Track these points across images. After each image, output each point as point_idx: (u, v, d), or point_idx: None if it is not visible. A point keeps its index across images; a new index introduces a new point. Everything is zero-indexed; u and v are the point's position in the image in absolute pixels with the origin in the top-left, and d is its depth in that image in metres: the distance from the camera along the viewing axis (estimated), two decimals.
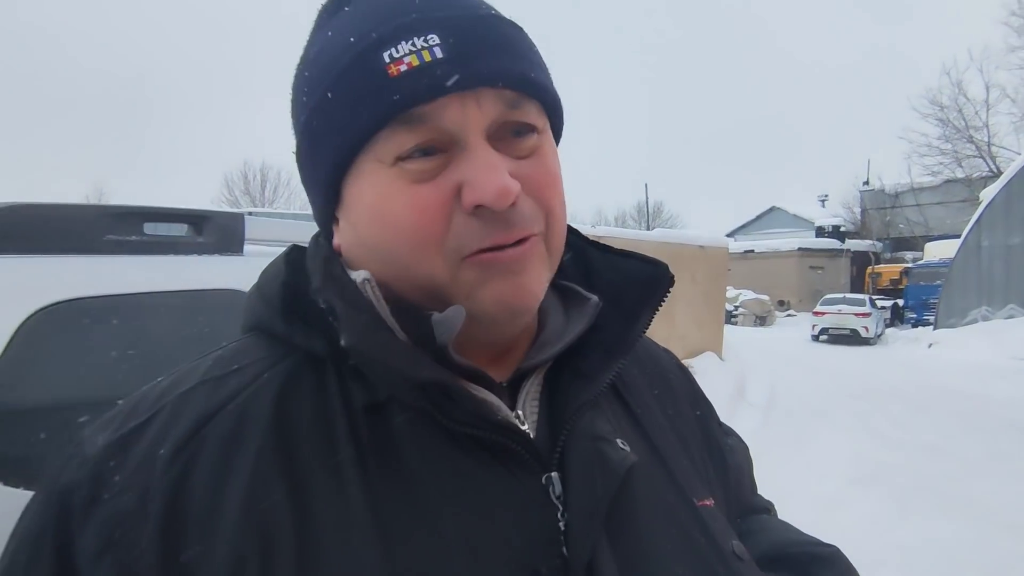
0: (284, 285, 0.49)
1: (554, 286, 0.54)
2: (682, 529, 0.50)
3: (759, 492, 0.75)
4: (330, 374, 0.46)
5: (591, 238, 0.60)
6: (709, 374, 7.75)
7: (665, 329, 7.58)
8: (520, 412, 0.49)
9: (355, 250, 0.49)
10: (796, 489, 4.73)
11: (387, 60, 0.43)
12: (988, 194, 15.52)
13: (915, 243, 25.90)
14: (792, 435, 6.37)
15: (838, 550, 0.62)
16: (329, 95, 0.45)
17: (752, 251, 29.42)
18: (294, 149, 0.51)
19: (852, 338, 15.89)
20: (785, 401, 7.85)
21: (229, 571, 0.39)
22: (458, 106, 0.43)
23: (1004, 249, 14.74)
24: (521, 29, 0.49)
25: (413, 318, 0.46)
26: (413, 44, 0.43)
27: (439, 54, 0.43)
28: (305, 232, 0.54)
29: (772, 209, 37.07)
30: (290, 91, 0.50)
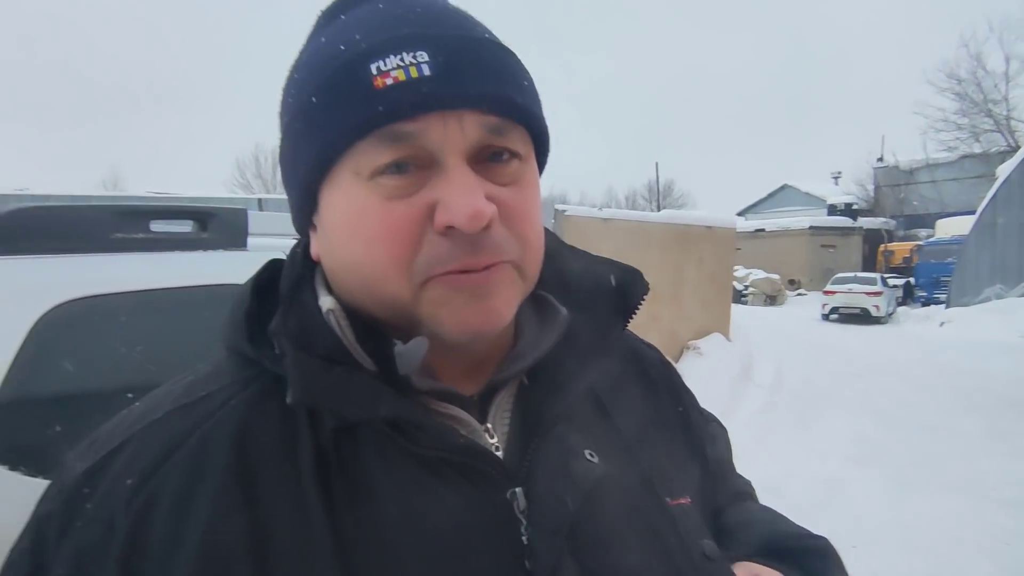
0: (247, 314, 0.49)
1: (531, 296, 0.53)
2: (653, 532, 0.50)
3: (745, 478, 0.76)
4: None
5: (569, 244, 0.60)
6: (716, 355, 7.76)
7: (672, 310, 7.59)
8: (489, 425, 0.49)
9: (329, 260, 0.49)
10: (799, 468, 4.79)
11: (374, 72, 0.42)
12: (1004, 170, 15.22)
13: (929, 220, 25.46)
14: (796, 415, 6.40)
15: (828, 542, 0.61)
16: (313, 100, 0.44)
17: (763, 230, 29.10)
18: (278, 149, 0.50)
19: (863, 317, 15.74)
20: (791, 381, 7.87)
21: None
22: (440, 125, 0.43)
23: (1020, 227, 14.48)
24: (514, 55, 0.48)
25: (377, 347, 0.46)
26: (402, 59, 0.42)
27: (427, 71, 0.42)
28: None
29: (783, 187, 36.58)
30: (281, 91, 0.50)
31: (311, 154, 0.45)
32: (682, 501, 0.54)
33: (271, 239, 1.72)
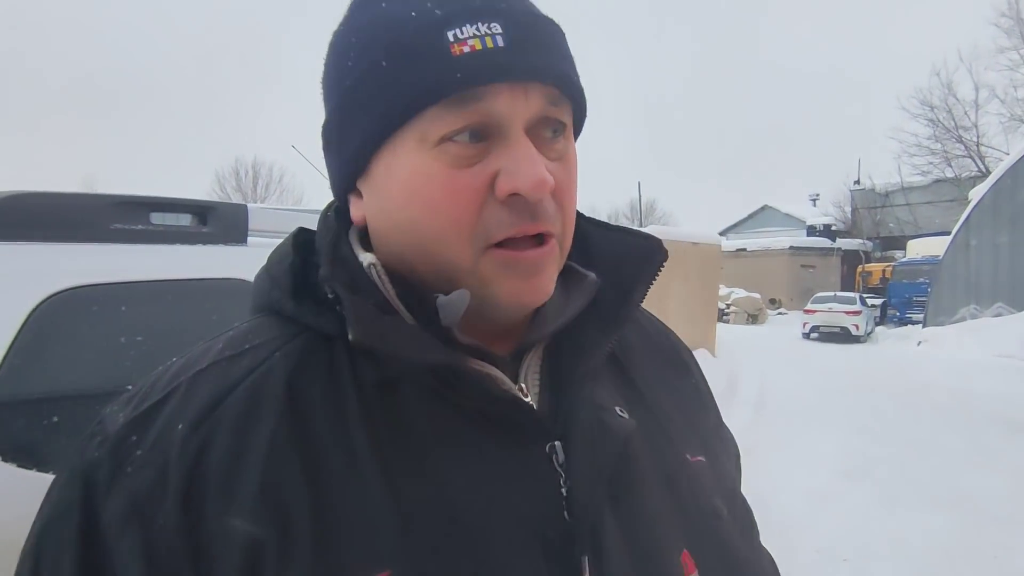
0: (291, 267, 0.50)
1: None
2: (672, 486, 0.53)
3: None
4: (340, 352, 0.47)
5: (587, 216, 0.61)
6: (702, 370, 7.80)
7: None
8: (523, 385, 0.50)
9: (379, 223, 0.49)
10: (786, 483, 4.80)
11: (451, 39, 0.43)
12: (977, 194, 15.70)
13: (905, 242, 26.09)
14: (782, 431, 6.43)
15: None
16: (384, 63, 0.45)
17: (744, 249, 29.58)
18: (326, 115, 0.51)
19: (842, 336, 16.03)
20: (775, 398, 7.93)
21: (249, 543, 0.40)
22: (508, 95, 0.44)
23: (992, 248, 14.92)
24: (564, 33, 0.50)
25: (419, 300, 0.47)
26: (477, 29, 0.44)
27: (500, 43, 0.44)
28: (307, 224, 0.55)
29: (764, 208, 37.25)
30: (328, 56, 0.50)
31: (378, 117, 0.46)
32: (698, 458, 0.56)
33: (272, 238, 1.70)
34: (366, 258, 0.49)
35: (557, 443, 0.48)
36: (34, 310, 1.13)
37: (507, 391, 0.48)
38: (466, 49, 0.43)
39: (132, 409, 0.45)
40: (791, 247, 28.73)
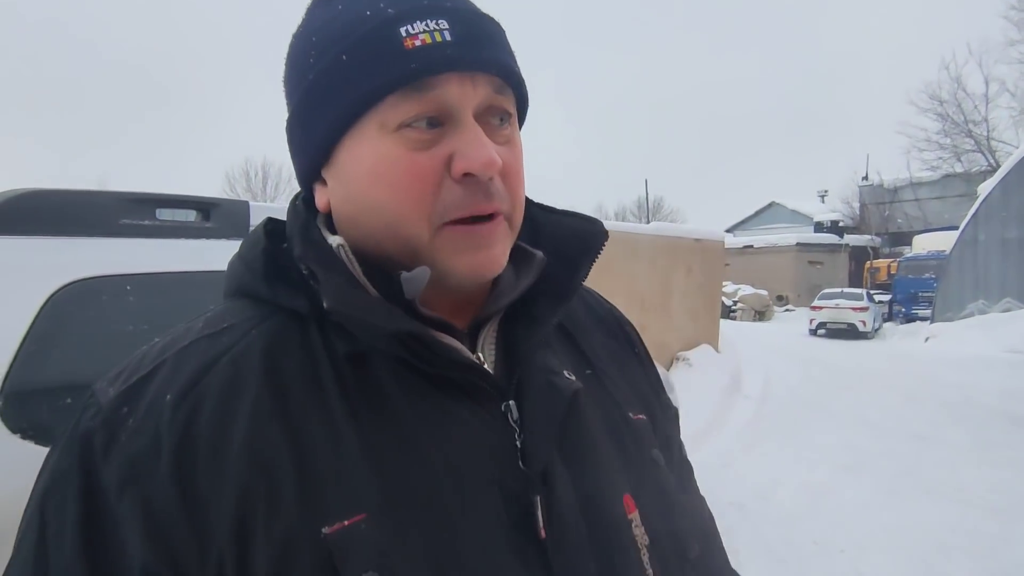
0: (264, 252, 0.54)
1: None
2: (618, 439, 0.59)
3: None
4: (313, 329, 0.51)
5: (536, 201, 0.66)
6: (705, 366, 7.82)
7: (660, 321, 7.66)
8: (480, 354, 0.55)
9: (345, 208, 0.53)
10: (787, 477, 4.84)
11: (404, 34, 0.48)
12: (985, 188, 15.56)
13: (913, 238, 25.91)
14: (785, 426, 6.45)
15: None
16: (344, 57, 0.49)
17: (751, 246, 29.44)
18: (289, 112, 0.54)
19: (850, 332, 15.92)
20: (779, 393, 7.93)
21: (239, 500, 0.44)
22: (458, 84, 0.49)
23: (1000, 243, 14.78)
24: (504, 31, 0.55)
25: (384, 277, 0.52)
26: (427, 25, 0.49)
27: (448, 37, 0.49)
28: None
29: (771, 205, 37.04)
30: (288, 56, 0.55)
31: (340, 107, 0.50)
32: (640, 416, 0.63)
33: None
34: (334, 240, 0.53)
35: (512, 402, 0.53)
36: (48, 300, 1.20)
37: (470, 358, 0.52)
38: (418, 43, 0.48)
39: (121, 383, 0.49)
40: (798, 244, 28.55)
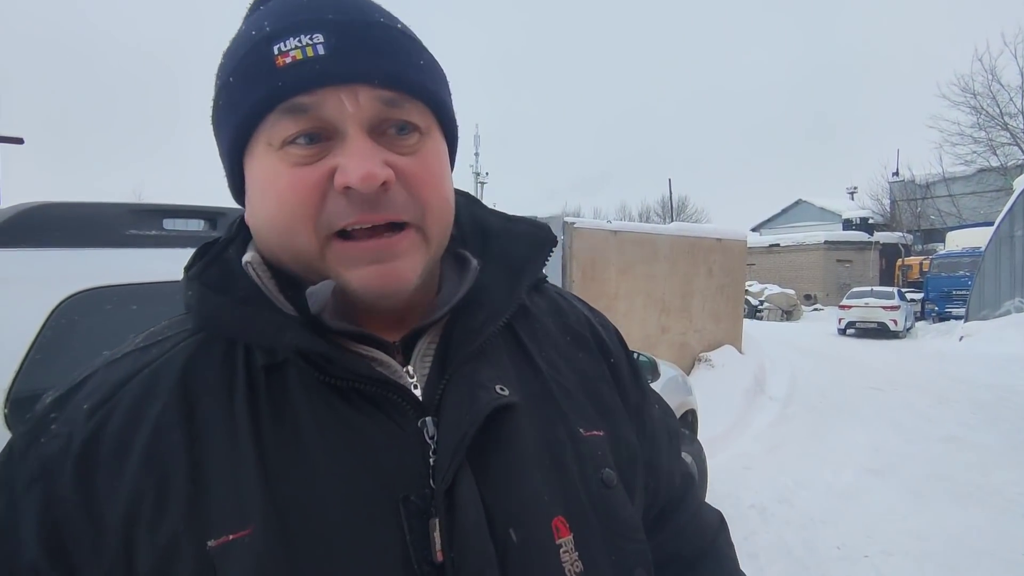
0: (186, 271, 0.56)
1: (452, 254, 0.61)
2: (555, 460, 0.56)
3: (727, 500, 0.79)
4: (239, 343, 0.53)
5: (490, 207, 0.66)
6: (728, 367, 7.72)
7: (682, 322, 7.58)
8: (410, 368, 0.55)
9: (252, 223, 0.54)
10: (812, 479, 4.74)
11: (275, 52, 0.48)
12: (1021, 182, 15.07)
13: (946, 234, 25.18)
14: (810, 427, 6.33)
15: None
16: (231, 79, 0.50)
17: (777, 245, 28.94)
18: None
19: (880, 331, 15.54)
20: (805, 394, 7.79)
21: (130, 499, 0.46)
22: (336, 99, 0.48)
23: None
24: (413, 37, 0.54)
25: (297, 292, 0.52)
26: (299, 40, 0.48)
27: (321, 51, 0.48)
28: None
29: (798, 202, 36.37)
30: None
31: (231, 128, 0.51)
32: (595, 433, 0.60)
33: None
34: (247, 256, 0.54)
35: (428, 418, 0.52)
36: (54, 309, 1.24)
37: (379, 372, 0.52)
38: (288, 60, 0.48)
39: (56, 391, 0.52)
40: (826, 242, 27.98)
